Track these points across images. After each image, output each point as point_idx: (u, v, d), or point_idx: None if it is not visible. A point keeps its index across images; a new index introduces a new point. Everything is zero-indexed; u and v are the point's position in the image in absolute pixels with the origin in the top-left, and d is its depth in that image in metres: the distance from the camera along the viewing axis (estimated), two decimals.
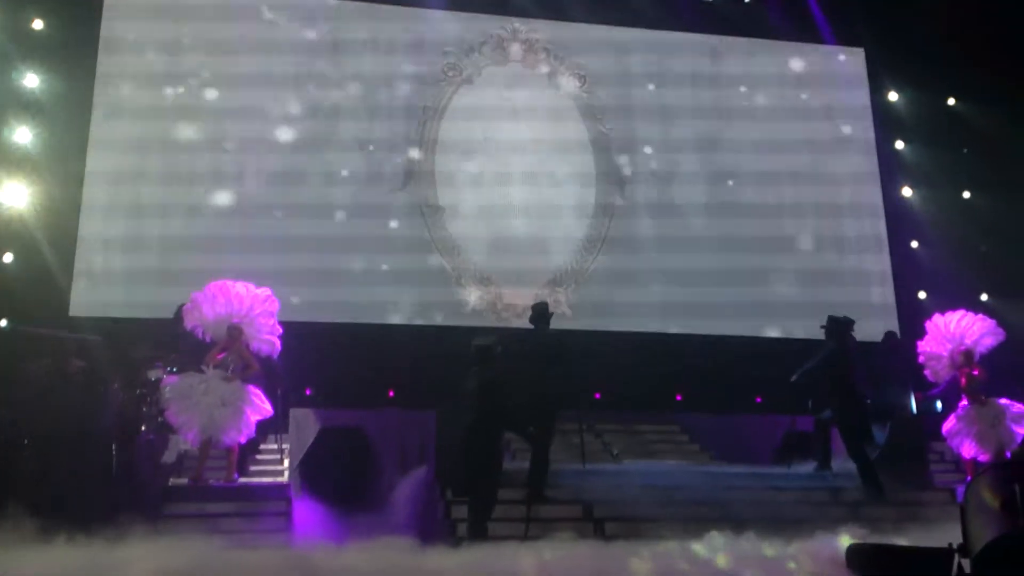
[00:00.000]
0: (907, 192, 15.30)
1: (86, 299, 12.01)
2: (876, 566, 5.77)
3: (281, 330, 10.11)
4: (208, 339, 9.85)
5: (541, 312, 9.20)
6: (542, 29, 14.61)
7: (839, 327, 9.64)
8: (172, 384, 9.38)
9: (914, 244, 15.09)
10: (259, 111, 13.22)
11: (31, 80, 12.11)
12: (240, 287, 9.99)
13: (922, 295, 14.65)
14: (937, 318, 11.76)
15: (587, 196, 14.18)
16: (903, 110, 15.59)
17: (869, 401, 9.84)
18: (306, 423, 10.11)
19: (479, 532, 7.61)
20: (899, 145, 15.49)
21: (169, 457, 10.02)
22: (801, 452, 10.29)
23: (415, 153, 13.70)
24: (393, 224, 13.36)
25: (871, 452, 9.48)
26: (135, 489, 8.78)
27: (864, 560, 5.85)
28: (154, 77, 12.98)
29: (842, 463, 9.75)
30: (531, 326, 9.24)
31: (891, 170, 15.33)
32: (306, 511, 8.82)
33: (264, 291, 10.08)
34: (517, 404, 7.86)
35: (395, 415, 10.72)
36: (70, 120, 12.29)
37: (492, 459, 7.77)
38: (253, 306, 9.95)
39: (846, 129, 15.35)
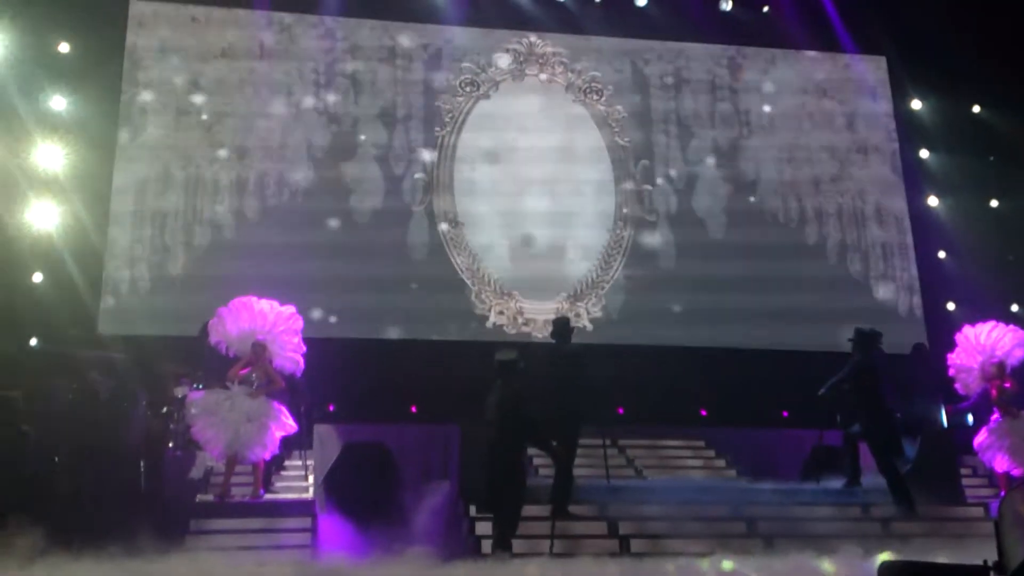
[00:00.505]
0: (933, 201, 15.14)
1: (114, 316, 12.12)
2: None
3: (304, 348, 10.14)
4: (232, 354, 9.89)
5: (562, 326, 9.19)
6: (558, 42, 14.62)
7: (867, 339, 9.54)
8: (198, 400, 9.43)
9: (941, 254, 14.92)
10: (280, 126, 13.33)
11: (58, 102, 12.26)
12: (265, 304, 10.04)
13: (951, 306, 14.48)
14: (967, 330, 11.62)
15: (606, 208, 14.15)
16: (927, 118, 15.45)
17: (899, 415, 9.72)
18: (330, 439, 10.14)
19: (504, 548, 7.57)
20: (923, 154, 15.35)
21: (196, 473, 10.09)
22: (830, 467, 10.16)
23: (434, 167, 13.74)
24: (412, 238, 13.39)
25: (901, 466, 9.36)
26: (162, 505, 8.83)
27: None
28: (178, 96, 13.16)
29: (872, 478, 9.63)
30: (552, 340, 9.21)
31: (916, 179, 15.19)
32: (331, 527, 8.82)
33: (288, 309, 10.12)
34: (540, 419, 7.82)
35: (418, 430, 10.73)
36: (96, 141, 12.43)
37: (516, 474, 7.73)
38: (277, 323, 9.99)
39: (869, 138, 15.25)
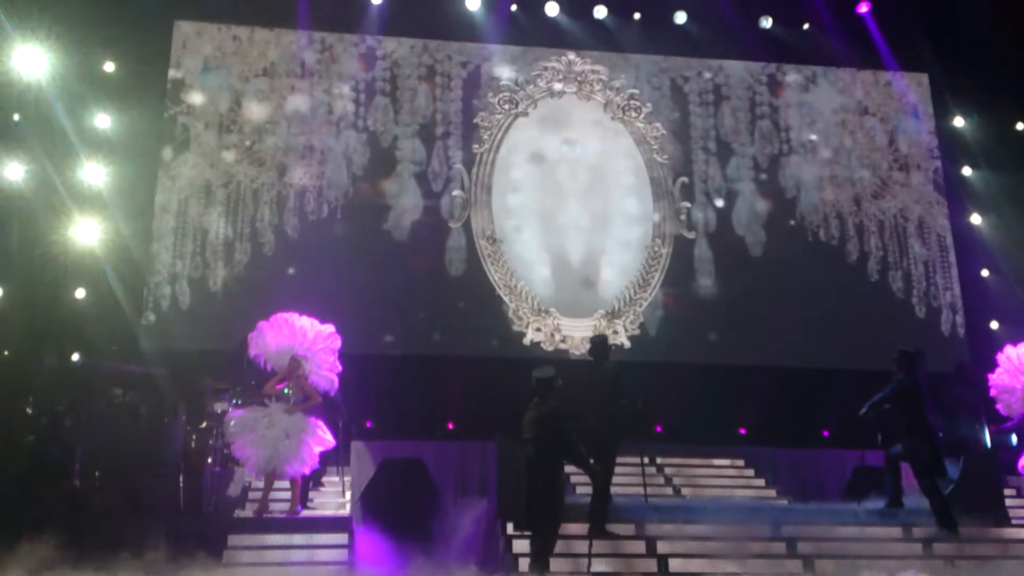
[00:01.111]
0: (976, 219, 14.94)
1: (155, 332, 12.28)
2: None
3: (340, 368, 10.20)
4: (269, 369, 9.97)
5: (600, 344, 9.15)
6: (596, 60, 14.65)
7: (910, 360, 9.39)
8: (237, 418, 9.49)
9: (984, 272, 14.69)
10: (320, 143, 13.49)
11: (103, 120, 12.47)
12: (305, 321, 10.12)
13: (994, 325, 14.24)
14: (1009, 350, 11.45)
15: (645, 225, 14.12)
16: (969, 135, 15.27)
17: (941, 434, 9.56)
18: (367, 455, 10.16)
19: (541, 566, 7.52)
20: (966, 171, 15.16)
21: (234, 489, 10.15)
22: (872, 488, 10.01)
23: (472, 185, 13.80)
24: (450, 255, 13.45)
25: (944, 487, 9.19)
26: (201, 521, 8.88)
27: None
28: (220, 114, 13.37)
29: (914, 499, 9.46)
30: (590, 358, 9.18)
31: (958, 196, 15.00)
32: (368, 543, 8.82)
33: (328, 328, 10.19)
34: (577, 437, 7.78)
35: (455, 447, 10.72)
36: (139, 158, 12.67)
37: (554, 492, 7.69)
38: (316, 341, 10.06)
39: (911, 155, 15.09)
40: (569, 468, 8.73)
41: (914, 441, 9.09)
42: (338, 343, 10.20)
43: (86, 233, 11.90)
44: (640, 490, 9.84)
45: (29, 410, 9.78)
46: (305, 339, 10.03)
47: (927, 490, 9.01)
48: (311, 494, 10.42)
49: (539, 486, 7.55)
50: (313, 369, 10.01)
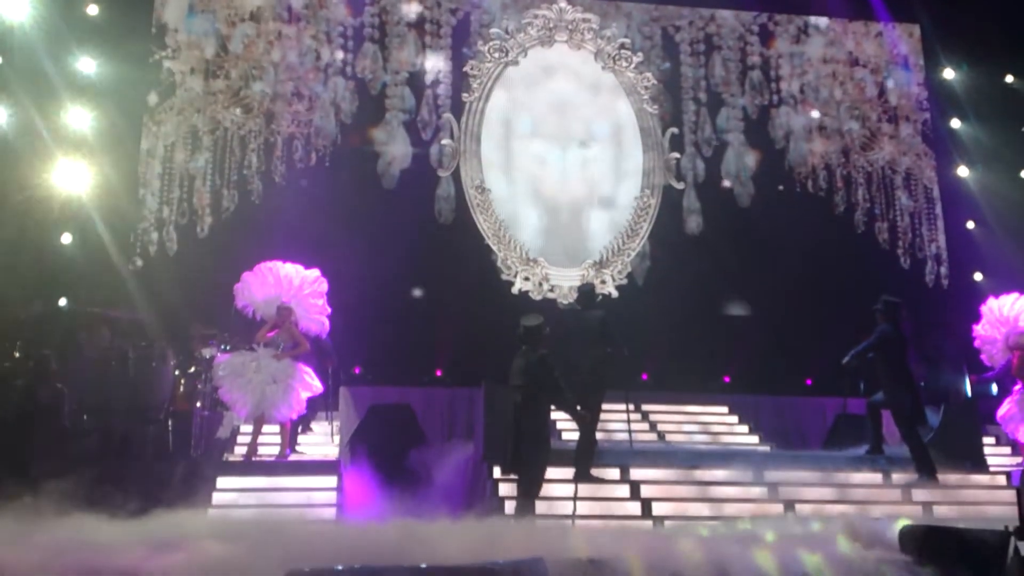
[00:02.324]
0: (963, 171, 14.96)
1: (142, 277, 12.22)
2: (930, 548, 5.70)
3: (330, 310, 10.23)
4: (258, 318, 10.00)
5: (587, 293, 9.23)
6: (587, 9, 14.52)
7: (893, 308, 9.49)
8: (224, 362, 9.53)
9: (970, 224, 14.76)
10: (307, 90, 13.38)
11: (86, 64, 12.30)
12: (290, 268, 10.13)
13: (978, 276, 14.35)
14: (991, 301, 11.56)
15: (634, 176, 14.11)
16: (958, 87, 15.22)
17: (923, 384, 9.69)
18: (355, 400, 10.24)
19: (527, 510, 7.64)
20: (954, 123, 15.15)
21: (223, 433, 10.23)
22: (853, 435, 10.17)
23: (461, 133, 13.73)
24: (439, 203, 13.42)
25: (924, 435, 9.35)
26: (189, 464, 8.97)
27: (917, 542, 5.78)
28: (206, 59, 13.21)
29: (895, 447, 9.63)
30: (577, 307, 9.24)
31: (946, 149, 15.02)
32: (356, 485, 8.93)
33: (313, 272, 10.20)
34: (564, 383, 7.86)
35: (443, 393, 10.81)
36: (125, 103, 12.49)
37: (540, 437, 7.79)
38: (302, 287, 10.08)
39: (900, 107, 15.07)
40: (555, 413, 8.85)
41: (895, 390, 9.22)
42: (324, 286, 10.21)
43: (72, 178, 11.81)
44: (625, 436, 9.96)
45: (18, 354, 9.81)
46: (291, 287, 10.04)
47: (907, 437, 9.16)
48: (300, 438, 10.51)
49: (526, 431, 7.65)
50: (302, 315, 10.04)
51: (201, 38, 13.27)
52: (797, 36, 15.01)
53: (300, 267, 10.21)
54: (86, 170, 11.89)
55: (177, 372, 9.96)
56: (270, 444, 9.89)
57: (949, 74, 15.23)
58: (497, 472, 8.45)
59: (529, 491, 7.73)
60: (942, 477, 9.07)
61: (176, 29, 13.25)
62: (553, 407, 8.12)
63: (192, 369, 10.04)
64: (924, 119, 15.10)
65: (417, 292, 12.63)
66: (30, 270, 11.41)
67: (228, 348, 9.98)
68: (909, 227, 14.62)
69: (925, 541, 5.77)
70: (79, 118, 11.97)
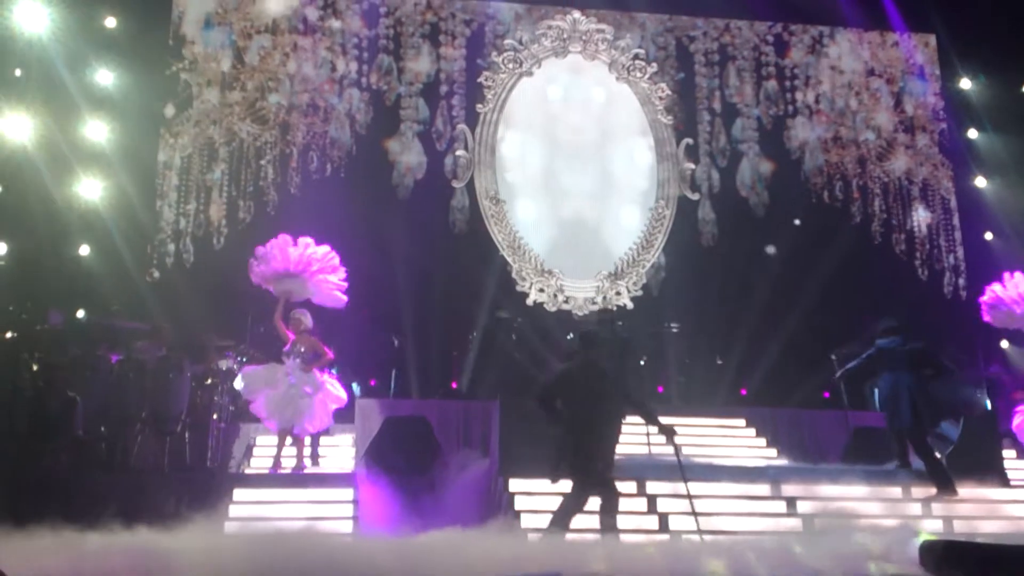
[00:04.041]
0: (980, 182, 14.88)
1: (159, 289, 12.27)
2: (951, 564, 5.66)
3: (346, 283, 10.23)
4: (273, 292, 9.99)
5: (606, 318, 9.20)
6: (601, 19, 14.52)
7: (891, 331, 9.49)
8: (255, 373, 9.49)
9: (988, 235, 14.67)
10: (323, 101, 13.42)
11: (104, 76, 12.38)
12: (296, 247, 10.11)
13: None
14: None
15: (648, 187, 14.12)
16: (975, 97, 15.15)
17: (941, 396, 9.63)
18: (371, 413, 10.22)
19: (560, 526, 7.42)
20: (972, 133, 15.08)
21: (239, 445, 10.22)
22: (872, 449, 10.08)
23: (475, 144, 13.75)
24: (454, 215, 13.43)
25: (944, 449, 9.27)
26: (206, 476, 8.97)
27: (938, 557, 5.73)
28: (222, 71, 13.26)
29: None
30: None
31: (963, 159, 14.95)
32: (372, 497, 8.90)
33: (322, 249, 10.18)
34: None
35: (457, 405, 10.78)
36: (142, 115, 12.59)
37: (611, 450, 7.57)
38: (310, 263, 10.06)
39: (916, 117, 15.01)
40: None
41: (895, 409, 9.19)
42: (335, 260, 10.20)
43: (90, 190, 11.89)
44: (643, 448, 9.91)
45: (35, 366, 9.84)
46: (299, 263, 10.03)
47: (918, 452, 9.11)
48: (319, 451, 10.44)
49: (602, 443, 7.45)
50: (313, 291, 10.02)
51: (218, 50, 13.34)
52: (812, 46, 14.98)
53: (311, 242, 10.20)
54: (104, 182, 11.97)
55: (194, 384, 9.96)
56: (292, 456, 9.87)
57: (966, 84, 15.17)
58: (513, 485, 8.41)
59: (573, 507, 7.47)
60: (962, 491, 8.99)
61: (193, 41, 13.33)
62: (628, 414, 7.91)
63: (209, 381, 10.04)
64: (941, 129, 15.04)
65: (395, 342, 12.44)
66: (48, 281, 11.47)
67: (245, 360, 9.99)
68: (927, 238, 14.54)
69: (945, 556, 5.73)
70: (97, 130, 12.05)
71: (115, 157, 12.21)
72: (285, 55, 13.52)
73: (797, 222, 14.00)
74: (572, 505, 7.40)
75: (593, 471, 7.31)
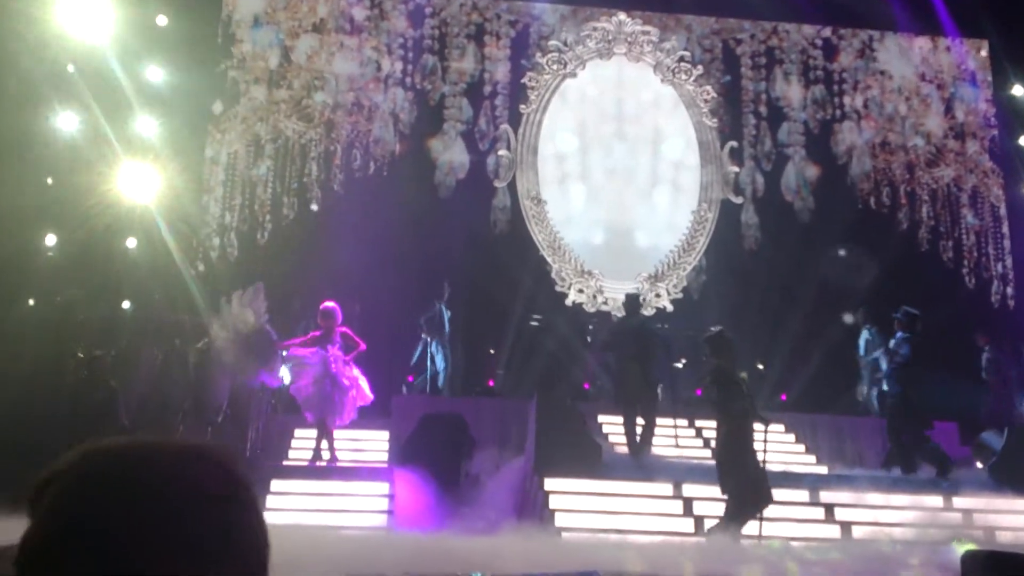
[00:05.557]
0: None
1: (204, 283, 12.41)
2: (994, 574, 5.54)
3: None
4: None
5: (633, 300, 9.32)
6: (647, 21, 14.46)
7: (911, 320, 9.48)
8: (304, 358, 9.51)
9: None
10: (367, 100, 13.52)
11: (155, 73, 12.58)
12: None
13: None
14: None
15: (691, 189, 14.02)
16: None
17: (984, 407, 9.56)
18: (407, 410, 10.28)
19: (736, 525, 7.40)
20: (1023, 141, 14.78)
21: (278, 438, 10.33)
22: (912, 457, 9.94)
23: (518, 145, 13.76)
24: (495, 216, 13.46)
25: (987, 459, 9.15)
26: (245, 466, 9.06)
27: (981, 568, 5.61)
28: (270, 69, 13.43)
29: (966, 471, 9.45)
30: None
31: (1013, 166, 14.66)
32: (407, 491, 8.95)
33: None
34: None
35: (494, 403, 10.81)
36: (190, 111, 12.76)
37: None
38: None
39: (967, 123, 14.76)
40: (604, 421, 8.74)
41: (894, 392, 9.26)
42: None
43: (138, 184, 12.07)
44: (678, 450, 9.87)
45: (81, 354, 10.02)
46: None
47: (890, 432, 9.15)
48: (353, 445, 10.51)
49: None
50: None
51: (266, 49, 13.51)
52: (862, 50, 14.79)
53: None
54: (152, 176, 12.14)
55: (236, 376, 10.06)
56: (326, 449, 9.95)
57: (1018, 91, 14.86)
58: (548, 484, 8.41)
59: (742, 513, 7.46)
60: (1008, 502, 8.84)
61: (242, 40, 13.52)
62: None
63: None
64: (991, 136, 14.77)
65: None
66: (96, 273, 11.66)
67: (286, 353, 10.07)
68: (975, 246, 14.29)
69: (988, 566, 5.60)
70: (146, 126, 12.22)
71: (163, 152, 12.37)
72: (331, 54, 13.64)
73: (842, 252, 13.76)
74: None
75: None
